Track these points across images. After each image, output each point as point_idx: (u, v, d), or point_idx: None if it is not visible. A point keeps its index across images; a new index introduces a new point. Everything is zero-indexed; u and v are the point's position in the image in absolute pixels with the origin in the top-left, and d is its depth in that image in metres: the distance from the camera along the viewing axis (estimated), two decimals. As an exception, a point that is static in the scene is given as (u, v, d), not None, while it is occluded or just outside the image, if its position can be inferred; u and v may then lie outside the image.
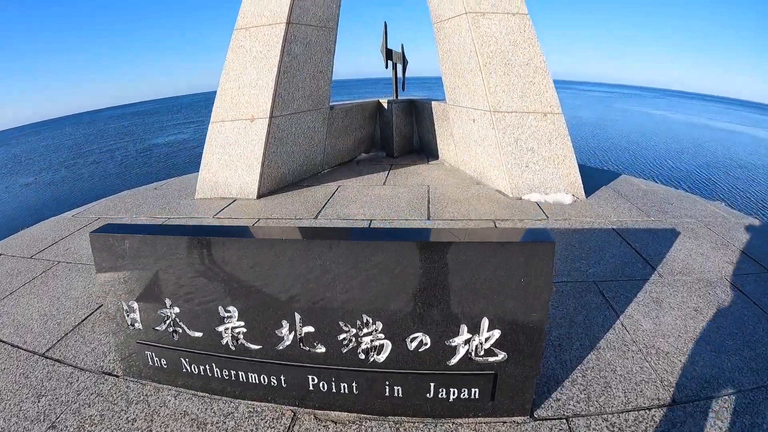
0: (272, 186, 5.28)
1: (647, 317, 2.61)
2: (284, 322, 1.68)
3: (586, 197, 4.80)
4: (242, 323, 1.75)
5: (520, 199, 4.76)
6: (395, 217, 4.32)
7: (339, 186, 5.47)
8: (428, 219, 4.28)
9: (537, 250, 1.46)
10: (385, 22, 7.04)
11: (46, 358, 2.36)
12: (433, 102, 6.36)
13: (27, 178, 20.22)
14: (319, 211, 4.54)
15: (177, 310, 1.81)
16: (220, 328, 1.78)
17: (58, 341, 2.50)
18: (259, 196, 5.03)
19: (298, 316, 1.66)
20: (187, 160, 22.14)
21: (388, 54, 7.16)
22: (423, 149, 7.31)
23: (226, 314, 1.76)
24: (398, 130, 7.05)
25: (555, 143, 4.68)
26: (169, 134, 43.76)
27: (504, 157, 4.76)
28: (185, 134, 40.77)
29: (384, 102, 7.10)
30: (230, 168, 5.08)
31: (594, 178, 5.58)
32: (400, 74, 7.30)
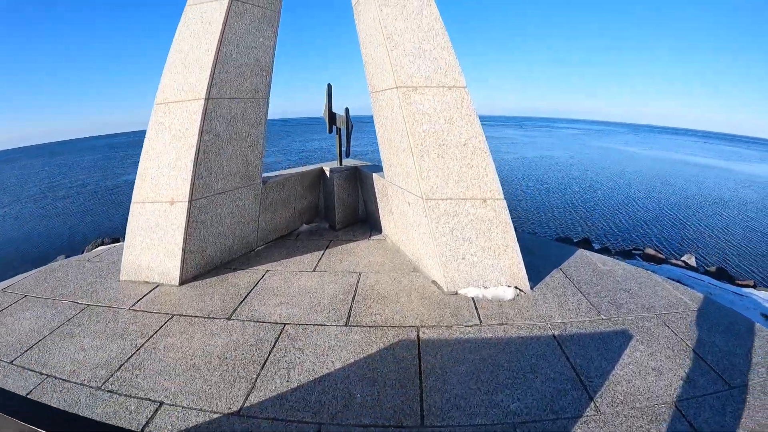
0: (197, 270, 4.82)
1: None
2: None
3: (532, 288, 4.34)
4: None
5: (456, 293, 4.26)
6: (311, 320, 3.82)
7: (267, 271, 4.97)
8: (346, 324, 3.76)
9: None
10: (329, 85, 6.68)
11: None
12: (374, 174, 5.92)
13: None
14: (236, 308, 4.05)
15: None
16: None
17: None
18: (182, 282, 4.59)
19: None
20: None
21: (332, 118, 6.77)
22: (368, 220, 6.81)
23: None
24: (340, 200, 6.58)
25: (495, 232, 4.23)
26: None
27: (438, 248, 4.29)
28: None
29: (327, 169, 6.64)
30: (152, 252, 4.66)
31: (545, 257, 5.15)
32: (344, 139, 6.88)
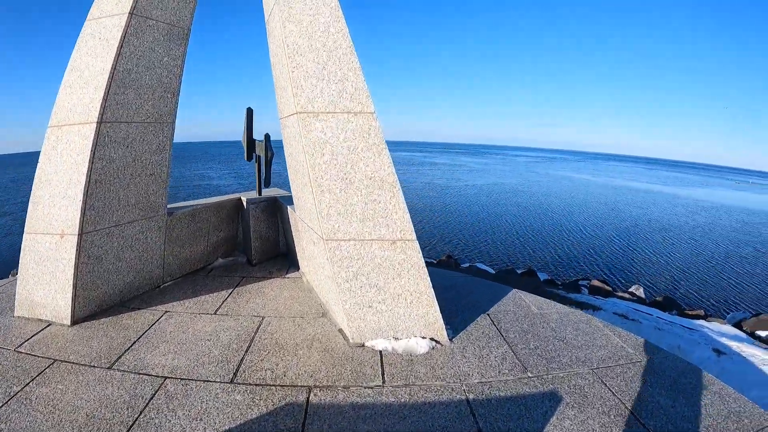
0: (92, 308, 4.34)
1: None
2: None
3: (451, 339, 3.83)
4: None
5: (363, 346, 3.72)
6: (195, 375, 3.29)
7: (166, 312, 4.43)
8: (232, 381, 3.22)
9: None
10: (249, 109, 6.13)
11: None
12: (289, 207, 5.37)
13: None
14: (120, 356, 3.57)
15: None
16: None
17: None
18: (74, 321, 4.14)
19: None
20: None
21: (250, 145, 6.20)
22: (288, 254, 6.24)
23: None
24: (257, 233, 5.99)
25: (407, 277, 3.70)
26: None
27: (341, 295, 3.73)
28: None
29: (244, 200, 6.07)
30: (45, 287, 4.18)
31: (472, 300, 4.67)
32: (264, 168, 6.31)
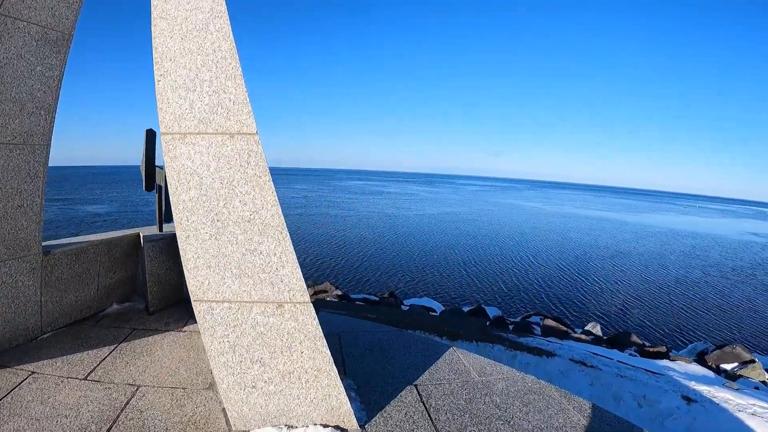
0: None
1: None
2: None
3: (363, 425, 2.95)
4: None
5: (246, 437, 2.77)
6: None
7: (32, 374, 3.57)
8: None
9: None
10: (150, 131, 5.16)
11: None
12: None
13: None
14: None
15: None
16: None
17: None
18: None
19: None
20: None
21: (150, 173, 5.22)
22: (192, 301, 5.27)
23: None
24: (155, 277, 5.02)
25: (299, 349, 2.81)
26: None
27: (218, 371, 2.81)
28: (47, 213, 35.63)
29: (143, 236, 5.13)
30: None
31: (397, 366, 3.78)
32: (165, 199, 5.34)
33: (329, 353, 2.80)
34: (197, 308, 2.80)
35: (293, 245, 2.79)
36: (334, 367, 2.82)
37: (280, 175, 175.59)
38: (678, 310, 15.71)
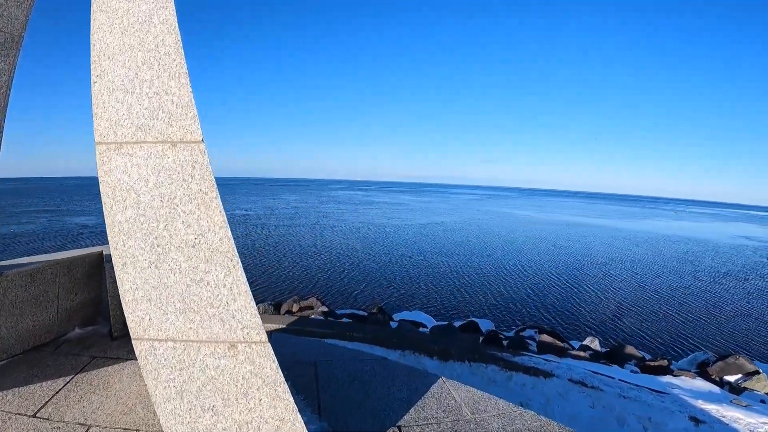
0: None
1: None
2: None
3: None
4: None
5: None
6: None
7: None
8: None
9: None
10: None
11: None
12: None
13: None
14: None
15: None
16: None
17: None
18: None
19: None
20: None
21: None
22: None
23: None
24: (118, 299, 4.55)
25: (257, 396, 2.37)
26: (14, 222, 37.38)
27: (165, 420, 2.37)
28: (34, 225, 34.70)
29: (106, 254, 4.78)
30: None
31: (382, 405, 3.34)
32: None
33: (292, 400, 2.36)
34: (138, 348, 2.37)
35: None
36: (299, 417, 2.38)
37: (268, 186, 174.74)
38: (674, 317, 15.41)
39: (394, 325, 8.62)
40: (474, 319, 10.48)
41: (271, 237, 29.97)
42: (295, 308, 10.18)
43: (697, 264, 28.09)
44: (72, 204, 62.22)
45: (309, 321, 7.60)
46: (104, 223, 2.49)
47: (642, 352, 9.76)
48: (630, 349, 9.31)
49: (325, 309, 9.61)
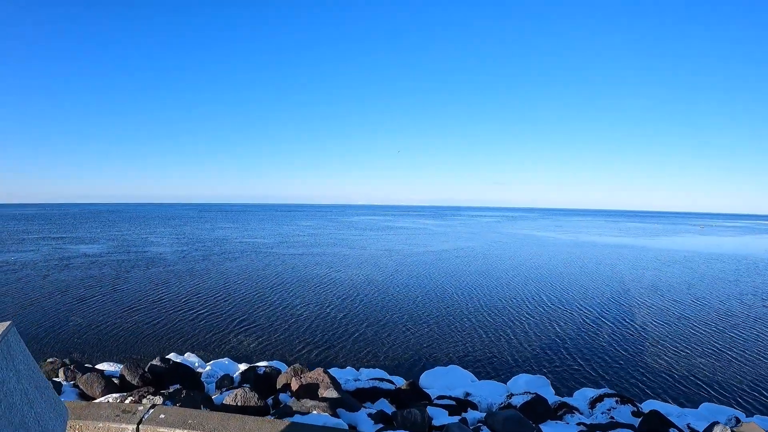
0: None
1: None
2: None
3: None
4: None
5: None
6: None
7: None
8: None
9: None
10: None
11: None
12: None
13: None
14: None
15: None
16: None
17: None
18: None
19: None
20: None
21: None
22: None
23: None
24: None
25: None
26: (23, 250, 36.56)
27: None
28: (31, 253, 33.84)
29: None
30: None
31: None
32: None
33: None
34: None
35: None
36: None
37: (286, 212, 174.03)
38: (743, 358, 13.30)
39: (435, 420, 6.55)
40: (532, 392, 8.23)
41: (281, 268, 28.32)
42: (294, 384, 7.47)
43: (739, 284, 25.84)
44: (82, 231, 61.75)
45: (308, 415, 5.79)
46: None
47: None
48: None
49: (336, 394, 6.74)
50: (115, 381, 7.29)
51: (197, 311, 17.45)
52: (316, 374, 7.35)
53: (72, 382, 7.26)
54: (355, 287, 22.56)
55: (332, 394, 6.52)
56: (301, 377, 7.42)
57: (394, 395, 7.82)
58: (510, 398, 8.03)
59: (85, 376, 7.04)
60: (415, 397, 7.77)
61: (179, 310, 17.51)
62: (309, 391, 7.04)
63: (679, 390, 10.99)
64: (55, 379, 7.34)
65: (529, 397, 7.49)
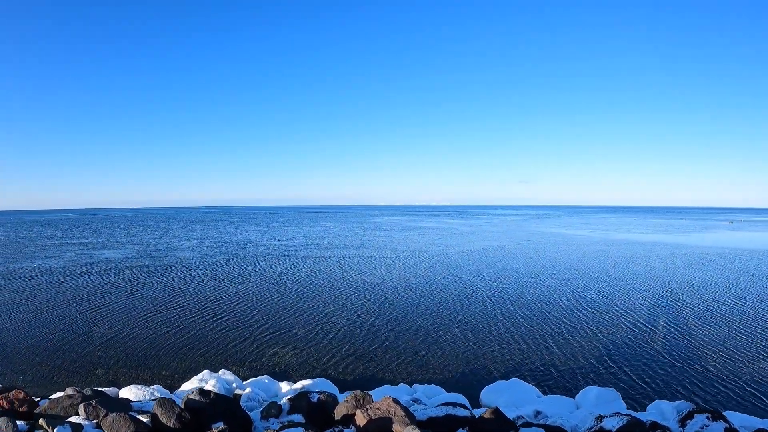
0: None
1: None
2: None
3: None
4: None
5: None
6: None
7: None
8: None
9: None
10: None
11: None
12: None
13: None
14: None
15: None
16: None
17: None
18: None
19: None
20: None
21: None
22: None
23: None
24: None
25: None
26: (44, 256, 36.55)
27: None
28: (56, 260, 33.66)
29: None
30: None
31: None
32: None
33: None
34: None
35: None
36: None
37: (309, 213, 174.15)
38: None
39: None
40: (613, 410, 7.21)
41: (310, 272, 27.28)
42: (360, 418, 6.26)
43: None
44: (108, 236, 62.00)
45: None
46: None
47: None
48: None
49: (410, 425, 5.76)
50: (145, 420, 6.03)
51: (228, 320, 16.38)
52: (386, 405, 6.12)
53: (95, 421, 6.09)
54: (390, 291, 21.28)
55: (404, 419, 5.38)
56: (367, 409, 6.17)
57: (474, 425, 6.55)
58: (600, 421, 7.02)
59: (110, 418, 5.84)
60: (501, 426, 6.48)
61: (209, 319, 16.46)
62: (381, 428, 5.81)
63: (752, 399, 9.78)
64: (74, 418, 6.14)
65: (624, 420, 6.45)
